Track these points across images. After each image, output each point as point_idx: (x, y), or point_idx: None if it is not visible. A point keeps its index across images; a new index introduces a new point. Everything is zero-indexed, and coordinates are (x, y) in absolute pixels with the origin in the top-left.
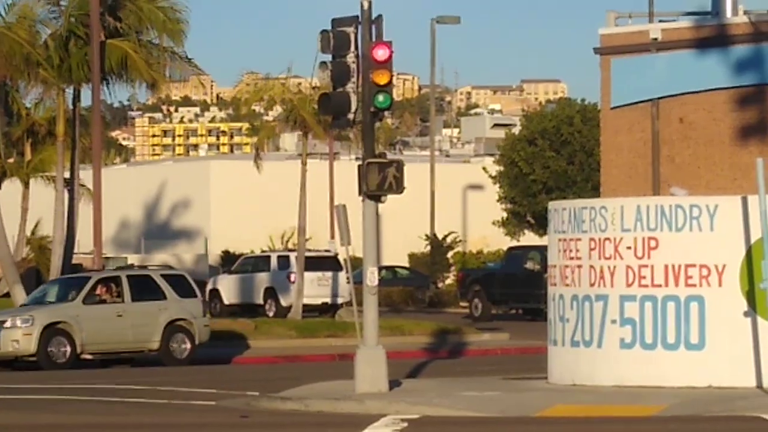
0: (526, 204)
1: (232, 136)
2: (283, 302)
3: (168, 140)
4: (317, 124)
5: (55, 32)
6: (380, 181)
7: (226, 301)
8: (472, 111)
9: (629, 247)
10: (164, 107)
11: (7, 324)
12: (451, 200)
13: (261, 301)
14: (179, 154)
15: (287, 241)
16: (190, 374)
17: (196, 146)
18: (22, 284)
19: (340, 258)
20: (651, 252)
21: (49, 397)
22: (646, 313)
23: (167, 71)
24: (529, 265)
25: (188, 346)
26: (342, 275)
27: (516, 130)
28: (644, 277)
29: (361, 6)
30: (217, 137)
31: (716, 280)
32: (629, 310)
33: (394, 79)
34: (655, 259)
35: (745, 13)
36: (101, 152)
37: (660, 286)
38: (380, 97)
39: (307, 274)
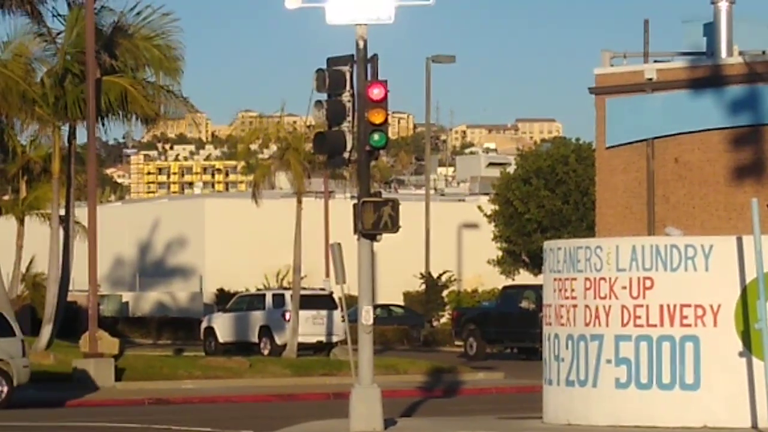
0: (521, 243)
1: (227, 174)
2: (278, 340)
3: (163, 178)
4: (301, 169)
5: (51, 70)
6: (375, 220)
7: (221, 339)
8: (468, 150)
9: (624, 287)
10: (159, 145)
11: None
12: (446, 239)
13: (256, 340)
14: (174, 192)
15: (282, 280)
16: (179, 413)
17: (191, 184)
18: (16, 322)
19: (335, 296)
20: (646, 292)
21: None
22: (642, 353)
23: (162, 108)
24: (524, 304)
25: (5, 388)
26: (337, 314)
27: (511, 169)
28: (639, 317)
29: (357, 45)
30: (213, 175)
31: (711, 320)
32: (624, 350)
33: (390, 117)
34: (650, 298)
35: (740, 53)
36: (96, 190)
37: (655, 326)
38: (375, 136)
39: (302, 313)
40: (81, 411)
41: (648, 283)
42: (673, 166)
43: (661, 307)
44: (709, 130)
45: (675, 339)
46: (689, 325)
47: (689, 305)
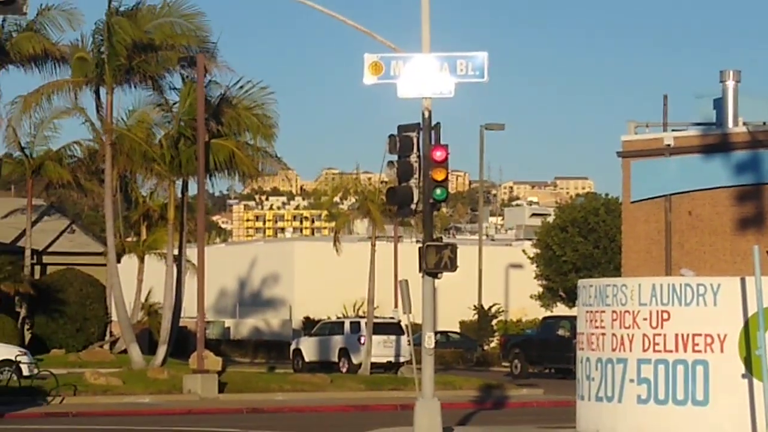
0: (558, 281)
1: (313, 221)
2: (355, 360)
3: (260, 224)
4: (380, 215)
5: (168, 134)
6: (437, 261)
7: (306, 359)
8: (514, 202)
9: (645, 319)
10: (257, 196)
11: None
12: (495, 277)
13: (336, 359)
14: (269, 236)
15: (358, 309)
16: (271, 420)
17: (283, 229)
18: (137, 343)
19: (403, 324)
20: (664, 323)
21: None
22: (659, 374)
23: (260, 166)
24: (560, 332)
25: None
26: (404, 338)
27: (550, 219)
28: (658, 344)
29: (423, 115)
30: (301, 222)
31: (719, 347)
32: (645, 372)
33: (449, 175)
34: (667, 328)
35: (744, 124)
36: (204, 233)
37: (671, 351)
38: (438, 191)
39: (375, 337)
40: (188, 418)
41: (665, 316)
42: (687, 218)
43: (677, 335)
44: (717, 188)
45: (688, 363)
46: (700, 351)
47: (700, 334)
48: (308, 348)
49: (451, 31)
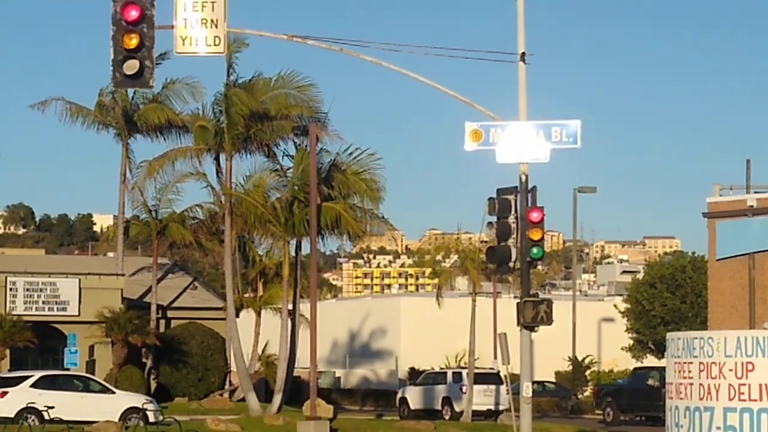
0: (647, 334)
1: (417, 279)
2: (457, 408)
3: (367, 281)
4: (478, 273)
5: (282, 197)
6: (534, 315)
7: (412, 407)
8: (605, 260)
9: (731, 370)
10: (365, 255)
11: None
12: (588, 330)
13: (439, 407)
14: (376, 292)
15: (460, 361)
16: None
17: (389, 286)
18: (254, 392)
19: (502, 374)
20: (748, 373)
21: None
22: (745, 422)
23: (367, 227)
24: (650, 381)
25: None
26: (503, 388)
27: (640, 276)
28: (743, 394)
29: (520, 179)
30: (406, 279)
31: None
32: (731, 419)
33: (545, 235)
34: (751, 379)
35: None
36: (316, 290)
37: (756, 400)
38: (534, 250)
39: (476, 387)
40: None
41: (750, 367)
42: None
43: (761, 385)
44: None
45: None
46: None
47: None
48: (413, 396)
49: (544, 95)
